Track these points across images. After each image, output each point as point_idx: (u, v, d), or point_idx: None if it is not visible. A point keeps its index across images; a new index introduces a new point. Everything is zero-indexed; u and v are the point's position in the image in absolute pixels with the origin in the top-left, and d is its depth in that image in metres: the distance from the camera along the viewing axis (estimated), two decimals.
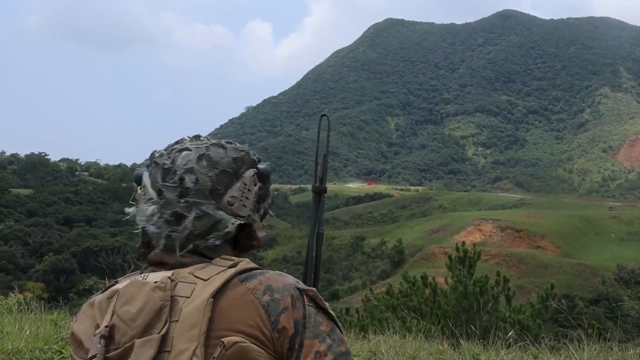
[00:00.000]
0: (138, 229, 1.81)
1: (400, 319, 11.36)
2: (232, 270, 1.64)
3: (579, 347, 7.09)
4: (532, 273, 71.44)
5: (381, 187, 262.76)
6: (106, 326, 1.57)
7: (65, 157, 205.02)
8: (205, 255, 1.75)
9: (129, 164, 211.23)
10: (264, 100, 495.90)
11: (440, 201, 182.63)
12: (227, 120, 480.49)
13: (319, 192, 2.08)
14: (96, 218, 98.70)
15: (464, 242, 15.23)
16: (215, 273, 1.63)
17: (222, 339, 1.51)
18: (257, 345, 1.55)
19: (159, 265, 1.75)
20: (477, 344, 7.57)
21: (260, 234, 1.91)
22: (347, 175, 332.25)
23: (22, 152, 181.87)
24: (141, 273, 1.75)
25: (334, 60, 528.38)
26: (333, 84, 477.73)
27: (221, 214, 1.77)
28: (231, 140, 1.97)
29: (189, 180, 1.76)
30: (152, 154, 1.89)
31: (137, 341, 1.52)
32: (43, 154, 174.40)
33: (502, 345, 7.46)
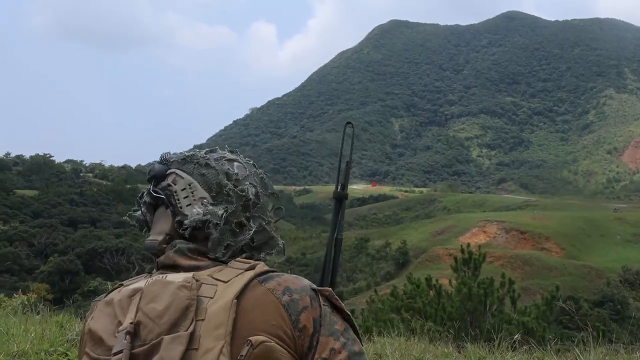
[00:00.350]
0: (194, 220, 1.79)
1: (405, 321, 11.33)
2: (251, 273, 1.68)
3: (585, 349, 7.07)
4: (537, 275, 71.36)
5: (385, 189, 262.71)
6: (131, 323, 1.59)
7: (70, 158, 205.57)
8: (217, 259, 1.79)
9: (133, 165, 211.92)
10: (268, 101, 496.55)
11: (444, 203, 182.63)
12: (231, 122, 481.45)
13: (340, 198, 2.10)
14: (101, 219, 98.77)
15: (468, 244, 15.21)
16: (234, 275, 1.67)
17: (250, 338, 1.55)
18: (281, 345, 1.58)
19: (171, 267, 1.78)
20: (482, 346, 7.54)
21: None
22: (351, 177, 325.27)
23: (27, 154, 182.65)
24: (149, 274, 1.78)
25: (338, 62, 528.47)
26: (337, 85, 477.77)
27: (272, 232, 1.89)
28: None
29: (251, 194, 1.84)
30: (188, 155, 1.92)
31: (166, 337, 1.54)
32: (48, 156, 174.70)
33: (507, 347, 7.43)
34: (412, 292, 14.18)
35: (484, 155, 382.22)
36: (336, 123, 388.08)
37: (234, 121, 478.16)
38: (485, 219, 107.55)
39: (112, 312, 1.68)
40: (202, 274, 1.69)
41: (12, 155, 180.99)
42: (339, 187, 2.12)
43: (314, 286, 1.75)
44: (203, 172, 1.86)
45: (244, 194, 1.84)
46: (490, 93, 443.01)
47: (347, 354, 1.65)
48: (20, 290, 15.99)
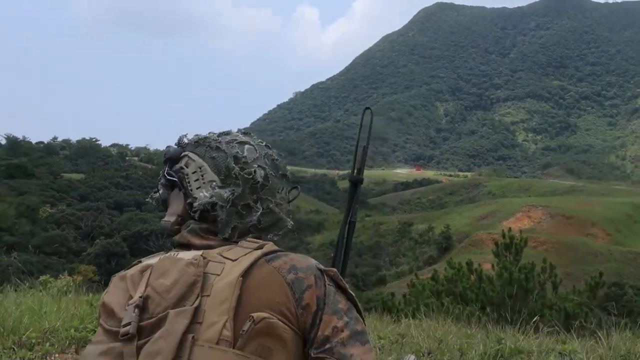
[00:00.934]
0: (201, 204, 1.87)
1: (443, 304, 11.32)
2: (259, 252, 1.73)
3: (608, 333, 7.02)
4: (581, 260, 70.84)
5: (429, 173, 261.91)
6: (141, 297, 1.67)
7: (116, 142, 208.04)
8: (227, 239, 1.86)
9: None
10: (312, 85, 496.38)
11: (489, 187, 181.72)
12: (275, 106, 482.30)
13: (355, 182, 2.19)
14: (146, 202, 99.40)
15: (510, 229, 15.20)
16: (243, 254, 1.73)
17: (252, 314, 1.60)
18: (283, 322, 1.64)
19: (185, 246, 1.85)
20: (517, 330, 7.51)
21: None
22: (395, 161, 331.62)
23: (74, 138, 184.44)
24: (165, 252, 1.86)
25: (382, 45, 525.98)
26: (382, 69, 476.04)
27: (281, 214, 1.92)
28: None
29: (259, 176, 1.88)
30: (201, 138, 1.98)
31: (172, 311, 1.61)
32: (94, 140, 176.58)
33: (541, 331, 7.41)
34: (453, 276, 14.20)
35: (530, 139, 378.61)
36: (380, 107, 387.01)
37: (278, 105, 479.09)
38: (529, 204, 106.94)
39: (124, 286, 1.76)
40: (212, 252, 1.75)
41: (60, 139, 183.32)
42: (355, 171, 2.20)
43: (321, 266, 1.79)
44: (213, 155, 1.91)
45: (250, 176, 1.87)
46: (537, 77, 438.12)
47: (350, 332, 1.69)
48: (66, 272, 16.14)
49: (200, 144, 1.96)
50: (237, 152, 1.92)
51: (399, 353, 5.91)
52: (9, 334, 5.44)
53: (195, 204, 1.87)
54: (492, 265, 14.27)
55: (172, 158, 1.98)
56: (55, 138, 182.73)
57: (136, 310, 1.64)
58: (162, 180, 2.01)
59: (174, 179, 1.94)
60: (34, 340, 5.38)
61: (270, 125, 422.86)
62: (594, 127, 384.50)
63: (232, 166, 1.89)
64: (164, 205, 2.03)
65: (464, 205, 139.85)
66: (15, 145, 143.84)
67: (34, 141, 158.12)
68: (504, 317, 9.61)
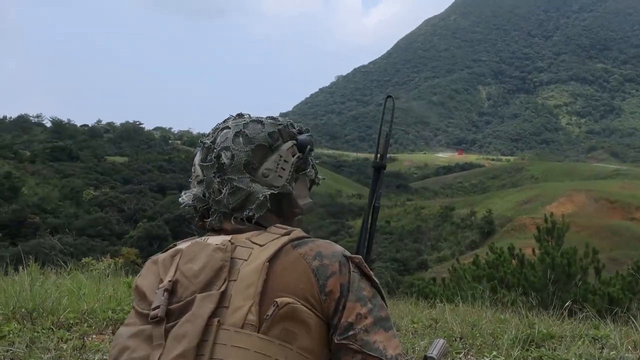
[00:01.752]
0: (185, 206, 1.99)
1: (482, 290, 11.31)
2: (286, 238, 1.75)
3: (634, 319, 6.99)
4: (626, 245, 70.06)
5: (472, 157, 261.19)
6: (170, 281, 1.70)
7: (159, 125, 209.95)
8: (259, 224, 1.87)
9: None
10: (354, 69, 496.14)
11: (532, 171, 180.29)
12: (317, 90, 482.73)
13: (378, 167, 2.17)
14: (188, 186, 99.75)
15: (552, 213, 15.13)
16: (271, 240, 1.75)
17: (276, 299, 1.62)
18: (307, 307, 1.66)
19: (217, 232, 1.89)
20: (551, 315, 7.51)
21: (303, 201, 2.00)
22: (437, 145, 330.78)
23: (118, 121, 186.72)
24: (199, 237, 1.88)
25: (424, 29, 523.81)
26: (424, 52, 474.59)
27: (254, 186, 1.88)
28: (275, 117, 2.02)
29: (224, 157, 1.88)
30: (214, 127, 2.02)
31: (198, 296, 1.64)
32: (138, 123, 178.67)
33: (575, 316, 7.40)
34: (495, 261, 14.16)
35: (574, 123, 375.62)
36: (422, 91, 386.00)
37: (320, 89, 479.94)
38: (573, 188, 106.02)
39: (156, 270, 1.80)
40: (241, 238, 1.79)
41: (104, 122, 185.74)
42: (378, 157, 2.18)
43: (347, 253, 1.79)
44: (199, 151, 1.99)
45: (211, 162, 1.90)
46: (580, 60, 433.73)
47: (373, 319, 1.71)
48: (108, 254, 16.34)
49: (200, 141, 2.02)
50: (206, 142, 1.95)
51: (431, 337, 5.94)
52: (47, 315, 5.52)
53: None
54: (533, 250, 14.22)
55: (194, 159, 2.07)
56: (99, 121, 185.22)
57: (165, 293, 1.67)
58: None
59: None
60: (71, 321, 5.46)
61: (312, 109, 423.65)
62: (638, 110, 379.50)
63: (209, 157, 1.92)
64: None
65: (506, 190, 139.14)
66: (60, 128, 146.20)
67: (78, 124, 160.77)
68: (544, 302, 9.59)
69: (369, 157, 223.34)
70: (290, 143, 1.97)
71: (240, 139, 1.91)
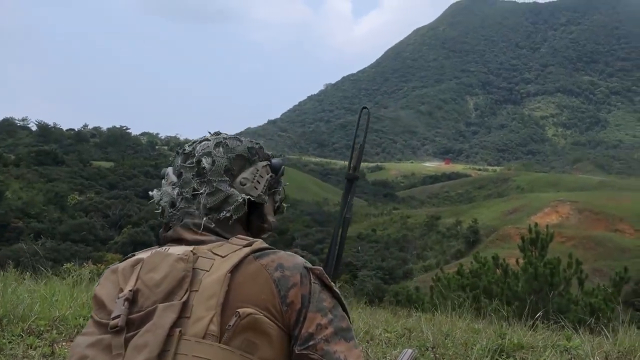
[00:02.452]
0: (159, 210, 2.02)
1: (466, 299, 11.36)
2: (247, 249, 1.77)
3: (614, 329, 7.03)
4: (609, 256, 70.43)
5: (458, 167, 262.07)
6: (131, 290, 1.70)
7: (146, 131, 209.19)
8: (220, 235, 1.89)
9: None
10: (343, 77, 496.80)
11: (518, 182, 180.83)
12: (305, 97, 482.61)
13: (351, 179, 2.20)
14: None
15: (536, 224, 15.15)
16: (232, 251, 1.77)
17: (238, 310, 1.64)
18: (268, 318, 1.67)
19: (177, 242, 1.89)
20: (524, 325, 7.55)
21: (271, 218, 2.06)
22: (424, 154, 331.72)
23: (104, 126, 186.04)
24: (159, 247, 1.90)
25: (413, 39, 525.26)
26: (412, 62, 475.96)
27: (233, 190, 1.93)
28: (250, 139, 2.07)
29: (205, 162, 1.92)
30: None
31: (160, 305, 1.64)
32: (124, 128, 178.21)
33: (549, 326, 7.42)
34: (478, 270, 14.23)
35: (560, 134, 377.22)
36: (410, 100, 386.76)
37: (308, 97, 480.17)
38: (558, 199, 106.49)
39: (116, 279, 1.79)
40: (202, 249, 1.79)
41: (90, 127, 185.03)
42: (351, 169, 2.22)
43: (308, 264, 1.81)
44: (174, 161, 2.06)
45: (192, 165, 1.94)
46: (567, 72, 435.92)
47: (334, 329, 1.72)
48: (90, 260, 16.28)
49: (175, 152, 2.09)
50: (185, 149, 2.01)
51: (404, 347, 5.93)
52: (18, 322, 5.50)
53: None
54: (516, 260, 14.29)
55: (162, 177, 2.11)
56: (85, 125, 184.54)
57: (126, 303, 1.67)
58: None
59: None
60: (42, 328, 5.46)
61: (300, 117, 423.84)
62: (623, 123, 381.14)
63: (179, 163, 2.01)
64: None
65: (492, 200, 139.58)
66: (45, 131, 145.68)
67: (64, 128, 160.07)
68: (520, 312, 9.64)
69: None
70: (265, 162, 2.03)
71: (221, 148, 1.96)
